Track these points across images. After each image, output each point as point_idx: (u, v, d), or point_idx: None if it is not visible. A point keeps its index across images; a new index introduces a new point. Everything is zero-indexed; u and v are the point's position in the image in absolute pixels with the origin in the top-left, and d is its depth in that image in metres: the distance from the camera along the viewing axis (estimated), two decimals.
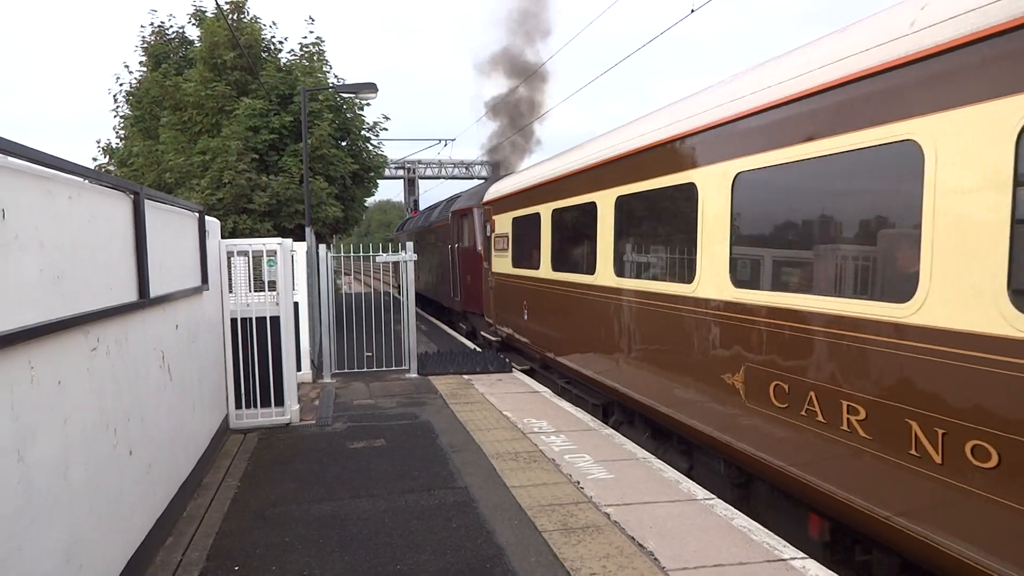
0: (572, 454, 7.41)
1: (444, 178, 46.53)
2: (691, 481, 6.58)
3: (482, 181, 36.73)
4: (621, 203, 8.51)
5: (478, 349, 15.60)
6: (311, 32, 22.94)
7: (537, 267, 11.76)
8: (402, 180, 46.99)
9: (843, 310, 4.91)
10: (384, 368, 12.75)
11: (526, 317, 12.63)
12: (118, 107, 21.00)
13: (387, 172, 36.68)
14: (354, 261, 13.01)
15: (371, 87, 15.06)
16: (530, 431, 8.37)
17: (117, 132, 21.40)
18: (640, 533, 5.31)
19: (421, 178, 46.71)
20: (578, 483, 6.47)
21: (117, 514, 4.31)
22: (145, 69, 19.74)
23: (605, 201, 8.88)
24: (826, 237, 5.36)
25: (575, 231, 10.16)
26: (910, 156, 4.38)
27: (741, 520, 5.57)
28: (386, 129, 20.65)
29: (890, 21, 4.68)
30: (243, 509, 6.02)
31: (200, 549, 5.22)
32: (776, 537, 5.28)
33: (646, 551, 5.01)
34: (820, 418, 5.08)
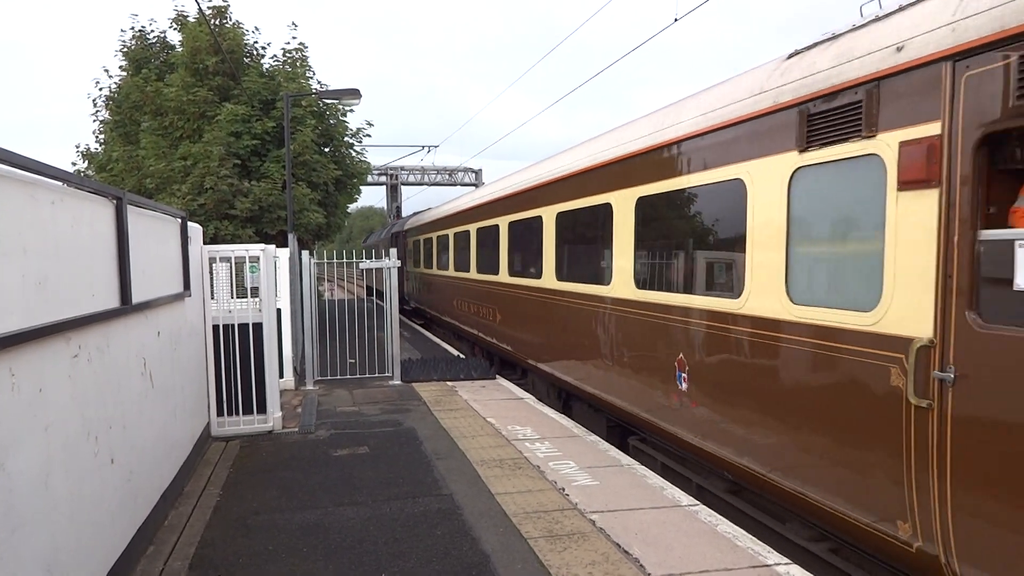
0: (557, 461, 7.41)
1: (427, 184, 46.42)
2: (675, 487, 6.60)
3: (472, 186, 38.02)
4: (455, 235, 17.49)
5: (461, 356, 15.59)
6: (294, 38, 22.92)
7: (419, 266, 22.90)
8: (385, 186, 46.83)
9: (574, 289, 9.53)
10: (367, 375, 12.70)
11: (418, 291, 23.71)
12: (98, 112, 20.76)
13: (370, 178, 36.57)
14: (337, 267, 12.97)
15: (354, 93, 15.00)
16: (514, 438, 8.36)
17: (97, 137, 21.16)
18: (625, 540, 5.32)
19: (404, 184, 46.53)
20: (563, 490, 6.47)
21: (98, 523, 4.25)
22: (125, 74, 19.54)
23: (442, 236, 19.15)
24: (582, 247, 9.49)
25: (429, 251, 21.09)
26: (608, 211, 8.38)
27: (725, 526, 5.60)
28: (369, 135, 20.62)
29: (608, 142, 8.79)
30: (225, 517, 5.96)
31: (182, 558, 5.16)
32: (761, 543, 5.31)
33: (632, 558, 5.02)
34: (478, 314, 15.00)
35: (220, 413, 8.56)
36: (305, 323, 12.20)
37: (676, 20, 10.99)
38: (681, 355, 6.74)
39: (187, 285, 7.14)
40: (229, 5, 18.64)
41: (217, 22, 18.24)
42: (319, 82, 19.32)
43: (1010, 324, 3.71)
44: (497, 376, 12.80)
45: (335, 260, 13.60)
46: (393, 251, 12.25)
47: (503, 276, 12.80)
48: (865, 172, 4.65)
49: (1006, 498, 3.73)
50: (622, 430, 8.86)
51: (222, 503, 6.32)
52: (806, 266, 5.26)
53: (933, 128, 4.16)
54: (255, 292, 8.87)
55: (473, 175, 45.63)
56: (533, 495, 6.35)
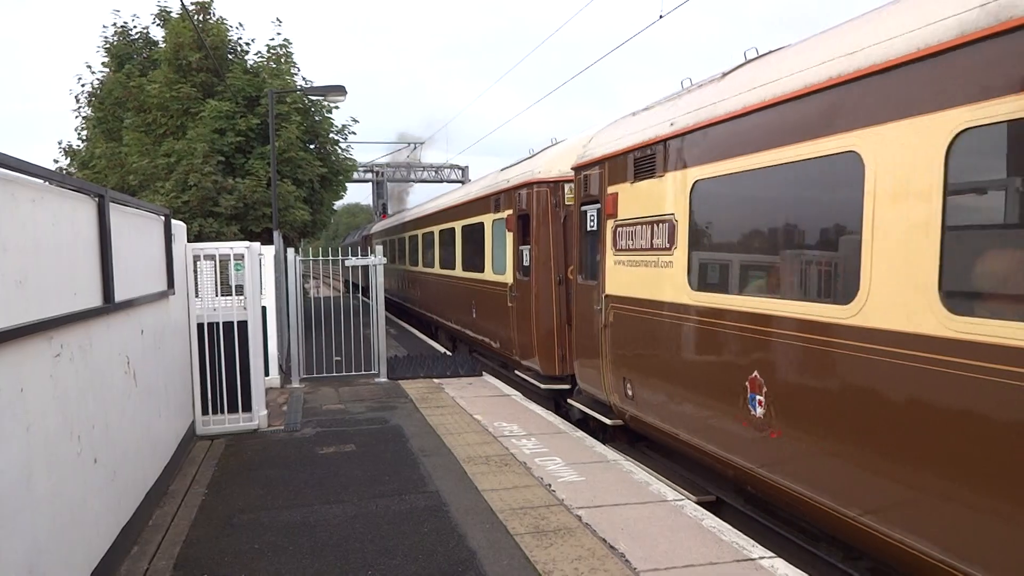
0: (543, 457, 7.43)
1: (413, 181, 46.31)
2: (661, 483, 6.64)
3: (458, 184, 39.41)
4: (398, 239, 24.59)
5: (448, 353, 15.59)
6: (278, 34, 22.75)
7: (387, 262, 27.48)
8: (371, 183, 46.65)
9: (462, 274, 15.64)
10: (353, 372, 12.67)
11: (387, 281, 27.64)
12: (80, 108, 20.57)
13: (356, 175, 36.47)
14: (322, 265, 12.99)
15: (339, 90, 14.94)
16: (501, 434, 8.37)
17: (79, 133, 20.96)
18: (611, 535, 5.35)
19: (390, 181, 46.39)
20: (549, 486, 6.49)
21: (81, 523, 4.22)
22: (108, 70, 19.36)
23: (391, 239, 26.71)
24: (450, 250, 16.62)
25: (387, 249, 26.26)
26: (453, 232, 16.32)
27: (711, 521, 5.64)
28: (354, 133, 20.53)
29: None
30: (211, 516, 5.94)
31: (167, 558, 5.14)
32: (745, 537, 5.35)
33: (617, 553, 5.04)
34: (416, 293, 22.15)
35: (205, 412, 8.51)
36: (291, 321, 12.15)
37: (661, 17, 11.03)
38: (473, 300, 14.35)
39: (171, 283, 7.09)
40: (212, 1, 18.50)
41: (200, 18, 18.09)
42: (304, 79, 19.21)
43: (524, 277, 11.34)
44: (484, 373, 12.81)
45: (321, 257, 13.57)
46: (379, 248, 12.25)
47: (420, 267, 20.55)
48: (503, 225, 12.16)
49: (524, 329, 11.34)
50: (478, 354, 15.19)
51: (207, 502, 6.30)
52: (498, 258, 12.62)
53: (509, 212, 11.90)
54: (240, 290, 8.82)
55: (459, 172, 45.53)
56: (519, 491, 6.37)
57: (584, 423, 9.47)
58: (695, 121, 6.38)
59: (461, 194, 16.08)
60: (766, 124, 5.50)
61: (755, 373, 5.62)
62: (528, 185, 11.09)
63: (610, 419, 8.48)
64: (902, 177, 4.25)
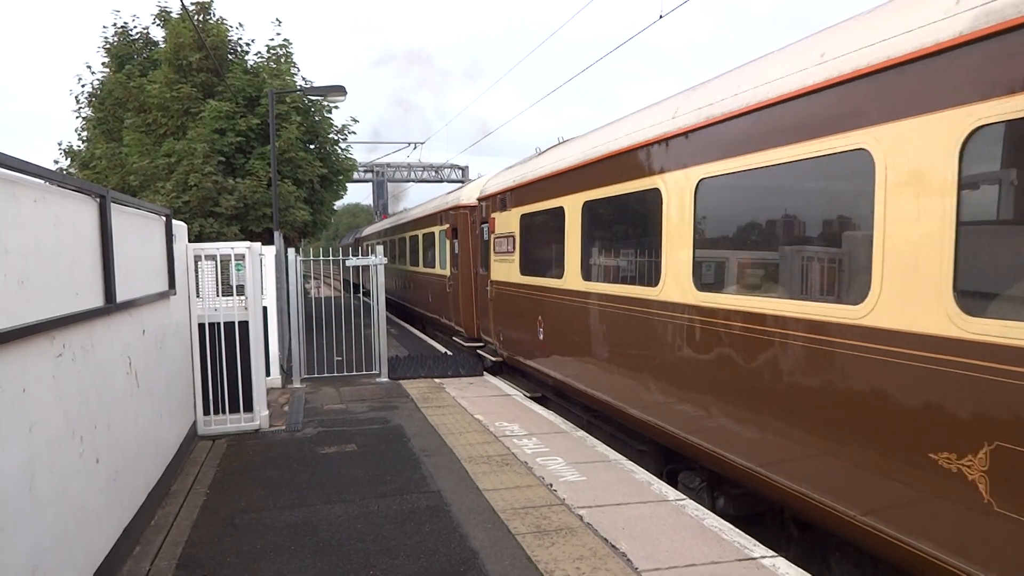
0: (544, 457, 7.43)
1: (414, 181, 46.32)
2: (662, 482, 6.64)
3: (458, 184, 40.05)
4: (390, 242, 27.96)
5: (448, 352, 15.60)
6: (278, 34, 22.74)
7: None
8: (371, 183, 46.63)
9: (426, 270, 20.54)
10: (354, 372, 12.66)
11: (365, 275, 32.01)
12: (80, 108, 20.58)
13: (356, 175, 36.47)
14: (323, 265, 13.02)
15: (339, 90, 14.94)
16: (502, 434, 8.37)
17: (79, 134, 20.97)
18: (613, 534, 5.35)
19: (390, 181, 46.39)
20: (551, 485, 6.49)
21: (84, 523, 4.23)
22: (108, 70, 19.37)
23: (379, 242, 30.45)
24: (416, 254, 22.15)
25: (391, 248, 27.42)
26: (411, 239, 23.02)
27: (712, 520, 5.64)
28: (354, 132, 20.55)
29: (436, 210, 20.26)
30: (213, 517, 5.94)
31: (169, 558, 5.14)
32: (747, 536, 5.35)
33: (619, 552, 5.04)
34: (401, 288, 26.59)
35: (207, 412, 8.51)
36: (291, 321, 12.15)
37: (661, 17, 11.02)
38: (430, 289, 19.04)
39: (172, 283, 7.10)
40: (212, 1, 18.50)
41: (200, 18, 18.09)
42: (304, 79, 19.22)
43: (456, 271, 15.92)
44: (484, 373, 12.82)
45: (321, 257, 13.58)
46: (380, 248, 12.28)
47: (397, 264, 25.11)
48: (445, 234, 16.93)
49: (456, 306, 16.17)
50: (437, 330, 19.35)
51: (209, 502, 6.30)
52: (443, 258, 17.28)
53: (448, 225, 16.62)
54: (241, 290, 8.82)
55: (459, 172, 45.51)
56: (521, 491, 6.37)
57: (492, 370, 13.37)
58: (521, 181, 11.30)
59: (422, 210, 21.36)
60: (543, 187, 10.19)
61: (540, 316, 10.41)
62: (456, 208, 15.89)
63: (495, 358, 13.18)
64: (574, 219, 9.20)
